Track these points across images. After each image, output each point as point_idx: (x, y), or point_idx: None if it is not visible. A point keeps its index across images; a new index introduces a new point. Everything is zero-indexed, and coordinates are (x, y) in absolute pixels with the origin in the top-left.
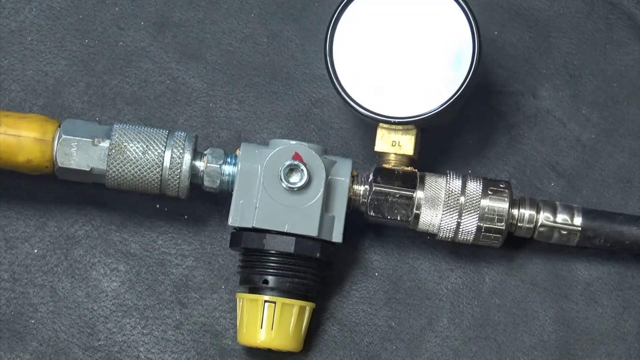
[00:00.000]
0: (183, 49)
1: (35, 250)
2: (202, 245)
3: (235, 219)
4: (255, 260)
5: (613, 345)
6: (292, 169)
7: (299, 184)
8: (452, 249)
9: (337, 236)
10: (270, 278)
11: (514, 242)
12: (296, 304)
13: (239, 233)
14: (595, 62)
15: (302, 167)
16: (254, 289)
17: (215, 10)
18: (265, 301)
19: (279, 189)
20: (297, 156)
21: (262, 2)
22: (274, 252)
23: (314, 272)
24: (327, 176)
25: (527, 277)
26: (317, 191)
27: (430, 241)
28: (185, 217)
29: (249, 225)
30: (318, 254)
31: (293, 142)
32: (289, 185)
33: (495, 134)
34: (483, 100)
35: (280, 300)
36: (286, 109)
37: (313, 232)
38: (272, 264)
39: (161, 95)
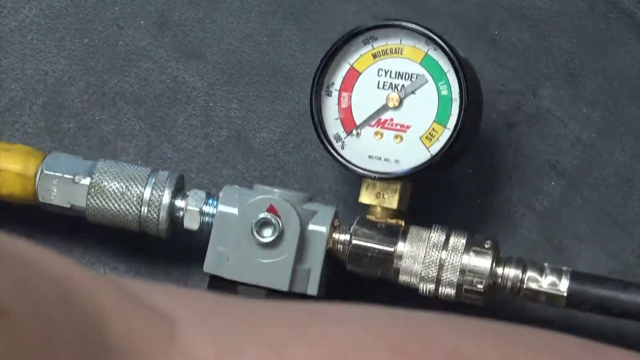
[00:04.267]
0: (183, 48)
1: None
2: (201, 245)
3: (209, 266)
4: None
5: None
6: (264, 223)
7: (270, 239)
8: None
9: (312, 289)
10: None
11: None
12: None
13: (215, 278)
14: (595, 62)
15: (275, 221)
16: None
17: (215, 10)
18: None
19: (251, 242)
20: (271, 209)
21: (262, 1)
22: None
23: None
24: (301, 230)
25: None
26: (290, 246)
27: None
28: None
29: (222, 274)
30: None
31: (276, 190)
32: (260, 239)
33: (495, 133)
34: (483, 100)
35: None
36: (286, 108)
37: (284, 287)
38: None
39: (161, 95)
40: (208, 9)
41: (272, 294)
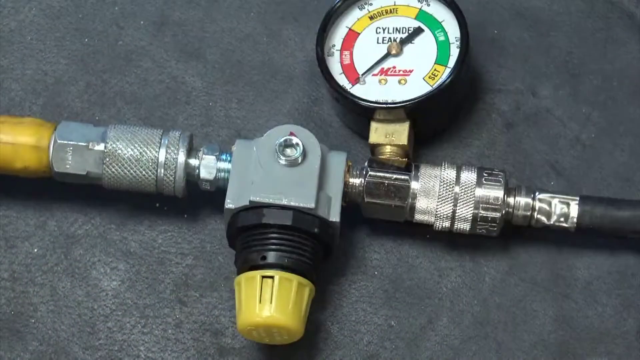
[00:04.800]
0: (183, 48)
1: (35, 250)
2: (201, 243)
3: (232, 199)
4: (253, 238)
5: (613, 344)
6: (287, 144)
7: (295, 156)
8: (452, 247)
9: (334, 215)
10: (268, 254)
11: (514, 240)
12: (295, 278)
13: (235, 217)
14: (595, 61)
15: (297, 140)
16: (252, 267)
17: (215, 9)
18: (263, 276)
19: (275, 164)
20: (291, 134)
21: (262, 1)
22: (271, 225)
23: (313, 250)
24: (322, 153)
25: (527, 276)
26: (313, 164)
27: (429, 239)
28: (185, 216)
29: (246, 202)
30: (316, 229)
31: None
32: (285, 158)
33: (495, 132)
34: (483, 99)
35: (278, 273)
36: (286, 108)
37: (310, 203)
38: (270, 239)
39: (161, 94)
40: (208, 9)
41: (298, 214)
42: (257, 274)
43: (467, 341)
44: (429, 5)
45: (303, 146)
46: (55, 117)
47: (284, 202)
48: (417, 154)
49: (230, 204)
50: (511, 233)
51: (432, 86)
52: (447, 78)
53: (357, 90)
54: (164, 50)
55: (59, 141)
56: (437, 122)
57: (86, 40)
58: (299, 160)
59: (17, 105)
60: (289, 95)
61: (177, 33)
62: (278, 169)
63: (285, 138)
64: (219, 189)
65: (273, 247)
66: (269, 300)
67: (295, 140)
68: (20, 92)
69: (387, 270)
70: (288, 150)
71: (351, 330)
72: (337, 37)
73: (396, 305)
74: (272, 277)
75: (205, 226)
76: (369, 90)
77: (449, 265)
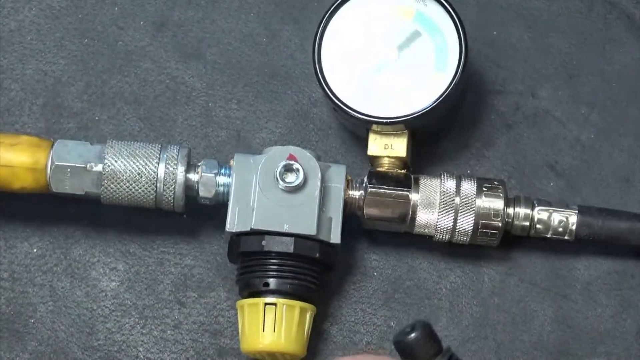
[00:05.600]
0: (182, 49)
1: (35, 250)
2: (200, 244)
3: (232, 224)
4: (255, 264)
5: (612, 345)
6: (287, 169)
7: (295, 183)
8: (451, 248)
9: (335, 237)
10: (270, 280)
11: (512, 242)
12: (297, 305)
13: (236, 240)
14: (594, 62)
15: (298, 166)
16: (254, 294)
17: (215, 10)
18: (266, 304)
19: (276, 190)
20: (291, 157)
21: (262, 2)
22: (273, 253)
23: (314, 274)
24: (322, 176)
25: (526, 277)
26: (314, 190)
27: (429, 241)
28: (184, 216)
29: (247, 229)
30: (317, 254)
31: (290, 147)
32: (285, 184)
33: (494, 133)
34: (482, 100)
35: (280, 301)
36: (285, 109)
37: (311, 230)
38: (271, 266)
39: (160, 95)
40: (207, 9)
41: (300, 241)
42: (260, 301)
43: (467, 342)
44: (425, 6)
45: (303, 171)
46: (55, 117)
47: (285, 228)
48: (416, 154)
49: (231, 227)
50: (510, 239)
51: (432, 98)
52: (447, 88)
53: (355, 103)
54: (164, 50)
55: (56, 163)
56: (435, 126)
57: (86, 40)
58: (300, 187)
59: (17, 105)
60: (288, 97)
61: (177, 33)
62: (278, 194)
63: (285, 163)
64: (218, 203)
65: (275, 273)
66: (272, 328)
67: (295, 165)
68: (20, 92)
69: (387, 271)
70: (288, 176)
71: (351, 331)
72: (335, 48)
73: (395, 306)
74: (274, 304)
75: (204, 226)
76: (367, 103)
77: (448, 266)
